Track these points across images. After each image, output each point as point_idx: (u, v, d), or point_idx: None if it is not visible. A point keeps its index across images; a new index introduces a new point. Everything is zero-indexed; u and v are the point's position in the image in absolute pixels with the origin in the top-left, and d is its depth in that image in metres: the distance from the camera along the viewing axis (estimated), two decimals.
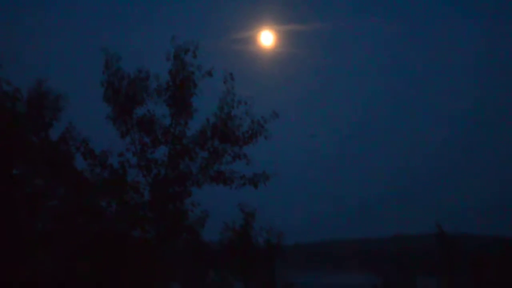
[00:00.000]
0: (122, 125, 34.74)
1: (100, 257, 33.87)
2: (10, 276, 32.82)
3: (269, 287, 37.33)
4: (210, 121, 35.13)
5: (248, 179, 35.17)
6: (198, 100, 35.20)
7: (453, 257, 51.92)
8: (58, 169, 34.64)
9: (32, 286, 32.95)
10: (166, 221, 34.83)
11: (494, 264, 52.03)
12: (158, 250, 34.98)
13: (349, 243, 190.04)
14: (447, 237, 52.16)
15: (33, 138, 34.85)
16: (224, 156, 35.19)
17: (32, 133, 34.78)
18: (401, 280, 52.46)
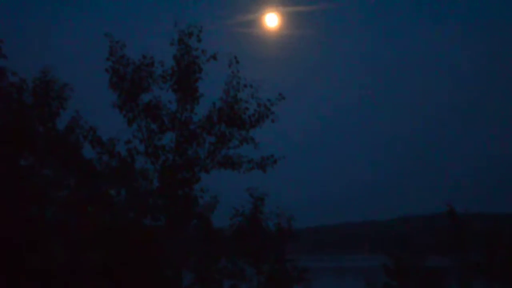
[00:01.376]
0: (128, 112, 34.70)
1: (111, 246, 33.82)
2: (23, 265, 32.81)
3: (281, 271, 37.17)
4: (216, 106, 35.01)
5: (256, 163, 35.08)
6: (203, 84, 35.19)
7: (465, 237, 51.61)
8: (66, 158, 34.49)
9: (44, 275, 32.94)
10: (176, 207, 34.76)
11: (507, 243, 51.71)
12: (169, 237, 34.90)
13: (359, 225, 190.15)
14: (457, 216, 51.83)
15: (40, 128, 34.71)
16: (232, 140, 35.12)
17: (39, 123, 34.64)
18: (413, 261, 52.14)
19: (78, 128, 34.64)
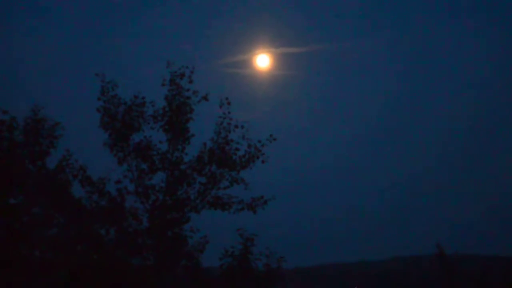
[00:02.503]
0: (119, 152, 34.71)
1: (100, 285, 33.61)
2: None
3: None
4: (207, 146, 35.11)
5: (246, 203, 35.10)
6: (194, 125, 35.27)
7: (455, 278, 51.66)
8: (56, 197, 34.47)
9: None
10: (165, 247, 34.64)
11: (497, 285, 51.78)
12: (158, 277, 34.74)
13: (349, 265, 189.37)
14: (447, 258, 51.97)
15: (30, 166, 34.71)
16: (222, 181, 35.14)
17: (29, 162, 34.65)
18: None
19: (68, 167, 34.65)
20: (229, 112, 35.12)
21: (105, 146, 34.67)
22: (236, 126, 35.12)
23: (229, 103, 35.10)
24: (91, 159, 34.69)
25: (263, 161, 35.30)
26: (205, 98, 35.11)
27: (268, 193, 35.51)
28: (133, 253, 34.34)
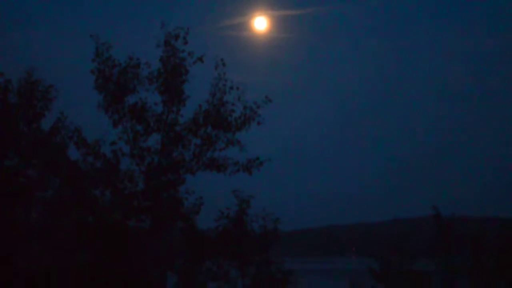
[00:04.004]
0: (114, 114, 34.57)
1: (96, 247, 33.72)
2: (7, 268, 32.67)
3: (266, 274, 37.13)
4: (203, 108, 34.93)
5: (242, 165, 35.02)
6: (190, 86, 35.07)
7: (451, 240, 51.81)
8: (51, 159, 34.41)
9: (29, 277, 32.80)
10: (160, 209, 34.64)
11: (493, 245, 51.93)
12: (154, 239, 34.81)
13: (347, 228, 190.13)
14: (443, 219, 52.03)
15: (25, 129, 34.60)
16: (217, 142, 35.02)
17: (24, 124, 34.53)
18: (400, 263, 52.30)
19: (63, 129, 34.57)
20: (224, 74, 34.88)
21: (99, 108, 34.48)
22: (232, 88, 34.92)
23: (224, 65, 34.85)
24: (86, 121, 34.58)
25: (258, 123, 35.15)
26: (200, 59, 34.83)
27: (264, 155, 35.48)
28: (129, 215, 34.35)
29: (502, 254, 51.82)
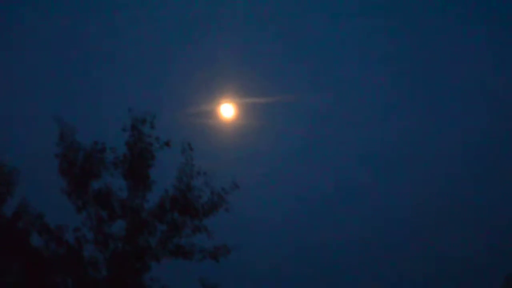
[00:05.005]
0: (78, 199, 33.87)
1: None
2: None
3: None
4: (169, 193, 34.27)
5: (209, 252, 34.23)
6: (156, 172, 34.42)
7: None
8: (13, 245, 33.70)
9: None
10: None
11: None
12: None
13: None
14: None
15: None
16: (184, 229, 34.31)
17: None
18: None
19: (26, 214, 33.87)
20: (191, 158, 34.31)
21: (63, 193, 33.80)
22: (199, 173, 34.32)
23: (191, 149, 34.31)
24: (49, 206, 33.84)
25: (227, 209, 34.49)
26: (167, 144, 34.30)
27: (232, 241, 34.68)
28: None
29: None
